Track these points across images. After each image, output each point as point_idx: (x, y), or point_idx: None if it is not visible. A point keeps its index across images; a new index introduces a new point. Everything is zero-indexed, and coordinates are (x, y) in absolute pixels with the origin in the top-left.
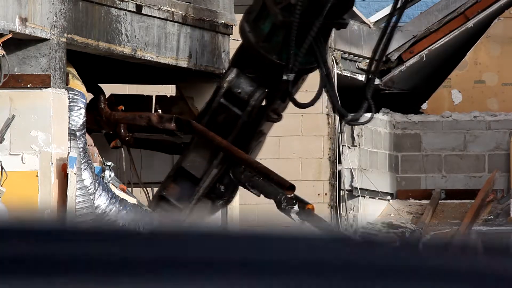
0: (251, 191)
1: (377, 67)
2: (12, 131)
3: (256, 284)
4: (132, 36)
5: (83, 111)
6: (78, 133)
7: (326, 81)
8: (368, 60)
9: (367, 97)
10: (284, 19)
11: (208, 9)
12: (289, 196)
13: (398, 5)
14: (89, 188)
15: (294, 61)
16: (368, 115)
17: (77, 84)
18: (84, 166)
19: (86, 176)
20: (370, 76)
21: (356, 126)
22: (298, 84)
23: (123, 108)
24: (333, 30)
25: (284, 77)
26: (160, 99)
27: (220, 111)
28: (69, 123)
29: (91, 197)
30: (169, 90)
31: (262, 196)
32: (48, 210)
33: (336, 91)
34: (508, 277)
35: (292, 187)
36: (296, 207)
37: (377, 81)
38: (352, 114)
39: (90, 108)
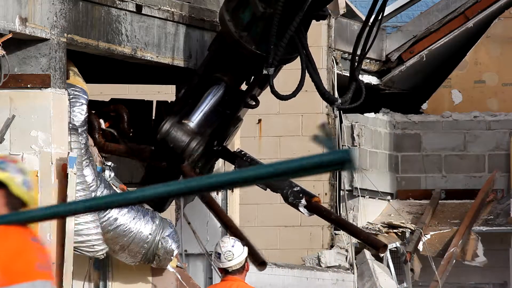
0: (258, 185)
1: (364, 49)
2: (12, 131)
3: None
4: (132, 36)
5: (85, 107)
6: (80, 129)
7: (311, 69)
8: (368, 60)
9: (356, 78)
10: (264, 11)
11: (208, 9)
12: (295, 190)
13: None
14: (90, 184)
15: (274, 55)
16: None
17: (78, 81)
18: (86, 162)
19: (88, 172)
20: (359, 58)
21: (357, 126)
22: (275, 74)
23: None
24: (333, 30)
25: (264, 72)
26: (161, 104)
27: (163, 153)
28: (71, 118)
29: (93, 194)
30: (169, 90)
31: (260, 197)
32: None
33: (321, 78)
34: None
35: (263, 264)
36: (303, 201)
37: (377, 81)
38: (341, 98)
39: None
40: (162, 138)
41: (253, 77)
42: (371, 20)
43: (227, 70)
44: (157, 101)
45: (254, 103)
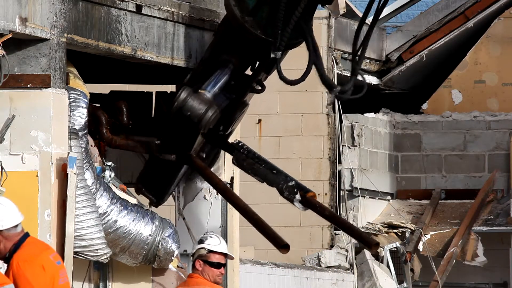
0: (255, 178)
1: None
2: (12, 131)
3: None
4: (132, 36)
5: (85, 110)
6: (80, 133)
7: (313, 54)
8: (368, 60)
9: (356, 73)
10: None
11: (208, 9)
12: (290, 184)
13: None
14: (91, 188)
15: (280, 40)
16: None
17: (78, 83)
18: (86, 166)
19: (88, 176)
20: (359, 49)
21: (357, 126)
22: (281, 58)
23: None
24: (333, 30)
25: (272, 55)
26: (161, 95)
27: (177, 125)
28: (71, 123)
29: (94, 196)
30: (169, 90)
31: (260, 197)
32: (48, 210)
33: (323, 64)
34: None
35: (286, 246)
36: (298, 196)
37: (377, 81)
38: (340, 86)
39: (91, 127)
40: (179, 107)
41: (258, 62)
42: (371, 17)
43: (234, 53)
44: (157, 92)
45: (260, 88)
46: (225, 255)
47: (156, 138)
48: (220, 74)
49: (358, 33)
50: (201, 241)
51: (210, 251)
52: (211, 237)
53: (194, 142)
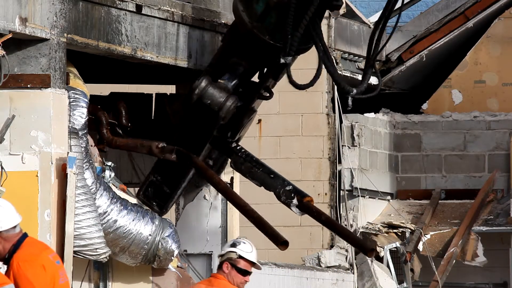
0: (252, 181)
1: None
2: (12, 131)
3: None
4: (132, 36)
5: (85, 110)
6: (80, 132)
7: (325, 59)
8: None
9: (372, 65)
10: (278, 1)
11: (208, 9)
12: (288, 189)
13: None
14: (90, 187)
15: (291, 44)
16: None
17: (78, 83)
18: (86, 165)
19: (88, 175)
20: (374, 44)
21: (357, 126)
22: (291, 64)
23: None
24: (333, 30)
25: (282, 61)
26: (160, 96)
27: (195, 115)
28: (72, 122)
29: (93, 196)
30: (169, 90)
31: (260, 197)
32: (48, 210)
33: (336, 68)
34: None
35: (285, 243)
36: (295, 200)
37: (377, 81)
38: (356, 88)
39: (92, 128)
40: (200, 95)
41: (266, 68)
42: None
43: (243, 58)
44: (156, 94)
45: (268, 94)
46: (253, 264)
47: (157, 140)
48: (230, 77)
49: (373, 35)
50: (233, 245)
51: (241, 257)
52: (244, 243)
53: (210, 135)
